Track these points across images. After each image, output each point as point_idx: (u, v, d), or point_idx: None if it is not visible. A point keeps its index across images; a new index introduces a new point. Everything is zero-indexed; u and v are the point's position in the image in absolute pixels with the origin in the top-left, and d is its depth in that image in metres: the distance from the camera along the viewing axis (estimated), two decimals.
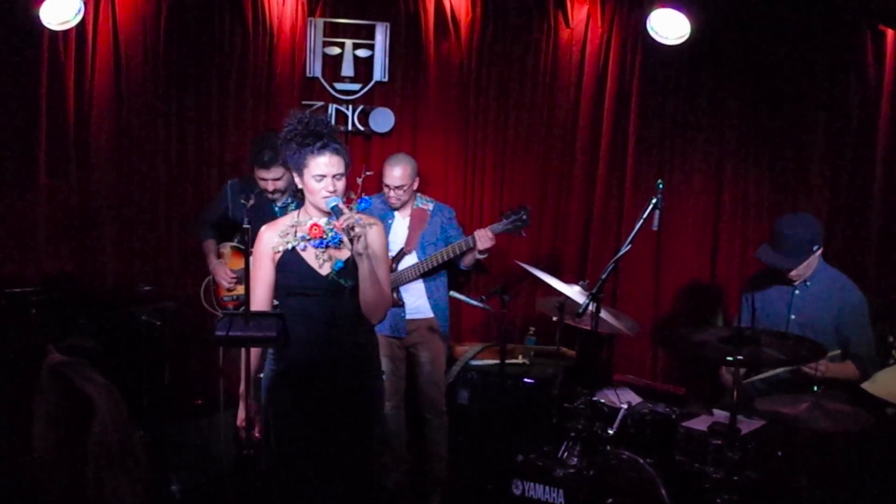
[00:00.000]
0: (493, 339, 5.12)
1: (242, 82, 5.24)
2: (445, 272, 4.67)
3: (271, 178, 4.48)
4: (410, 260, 4.59)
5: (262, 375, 3.40)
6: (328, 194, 3.17)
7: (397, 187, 4.53)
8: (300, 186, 3.27)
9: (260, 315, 3.00)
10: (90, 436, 3.01)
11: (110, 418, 3.02)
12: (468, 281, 5.17)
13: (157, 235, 5.26)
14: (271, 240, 3.28)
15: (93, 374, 3.12)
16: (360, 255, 3.10)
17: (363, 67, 5.28)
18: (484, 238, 4.46)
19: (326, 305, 3.23)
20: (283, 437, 3.29)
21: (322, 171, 3.16)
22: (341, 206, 3.13)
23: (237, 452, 4.45)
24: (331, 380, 3.26)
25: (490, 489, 4.10)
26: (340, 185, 3.20)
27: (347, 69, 5.27)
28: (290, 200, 4.61)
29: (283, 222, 3.34)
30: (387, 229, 4.61)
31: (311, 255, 3.25)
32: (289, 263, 3.25)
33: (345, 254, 3.24)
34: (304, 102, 5.22)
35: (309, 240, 3.25)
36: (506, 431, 4.47)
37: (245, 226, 2.98)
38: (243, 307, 2.95)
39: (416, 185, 4.61)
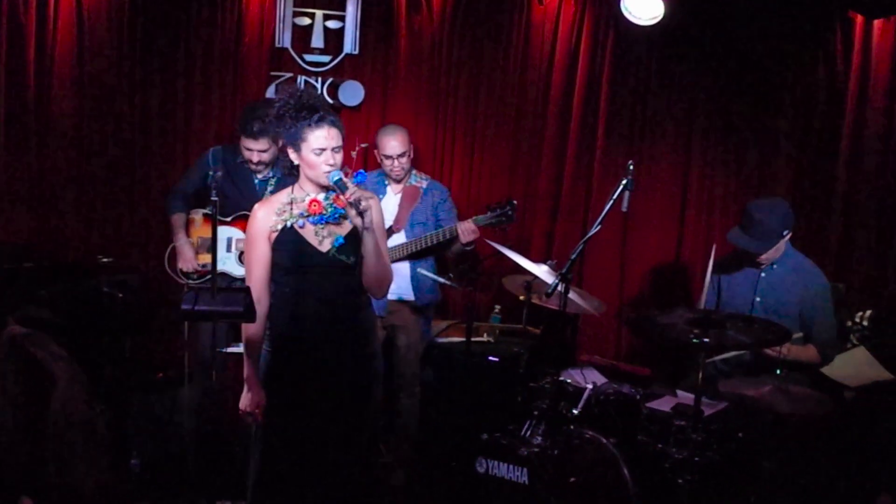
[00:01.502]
0: (459, 316, 5.12)
1: (209, 51, 5.14)
2: (433, 257, 4.63)
3: (258, 150, 4.41)
4: (398, 239, 4.53)
5: (229, 350, 3.37)
6: (329, 168, 3.10)
7: (400, 155, 4.48)
8: (296, 162, 3.19)
9: (227, 289, 2.96)
10: (50, 410, 2.95)
11: (71, 392, 2.97)
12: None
13: (119, 206, 5.16)
14: (267, 218, 3.19)
15: (53, 347, 3.06)
16: (366, 229, 3.05)
17: (333, 39, 5.21)
18: (467, 231, 4.37)
19: (327, 282, 3.18)
20: (280, 417, 3.24)
21: (321, 145, 3.09)
22: (345, 179, 3.06)
23: (199, 427, 4.42)
24: (332, 358, 3.21)
25: (454, 467, 4.09)
26: (339, 157, 3.13)
27: (317, 40, 5.19)
28: (271, 174, 4.54)
29: (278, 199, 3.25)
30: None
31: (309, 232, 3.19)
32: (287, 241, 3.18)
33: (345, 229, 3.19)
34: (272, 73, 5.14)
35: (308, 216, 3.17)
36: (470, 409, 4.46)
37: (213, 198, 2.91)
38: (210, 277, 2.89)
39: (412, 153, 4.58)
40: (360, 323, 3.30)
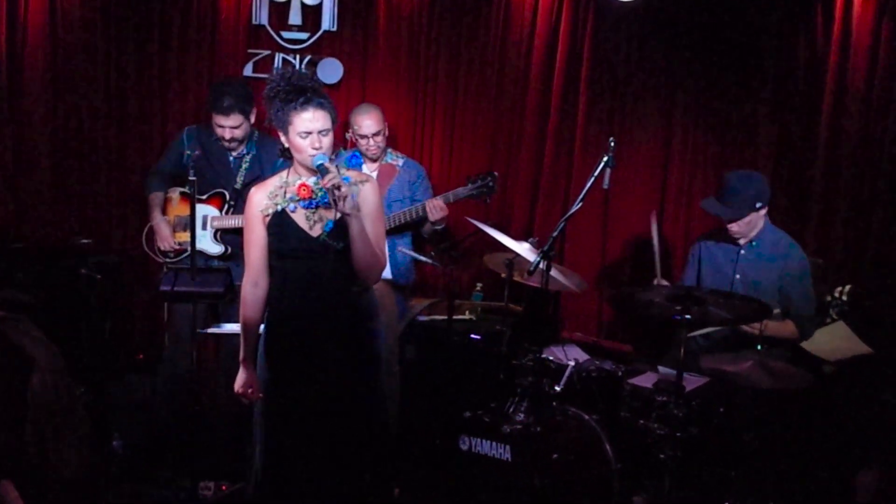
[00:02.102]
0: (440, 294, 5.12)
1: (185, 28, 5.08)
2: (409, 233, 4.60)
3: (229, 126, 4.35)
4: None
5: (210, 330, 3.35)
6: (314, 151, 3.05)
7: (375, 134, 4.45)
8: (287, 146, 3.16)
9: (206, 270, 2.94)
10: (29, 394, 2.92)
11: (50, 375, 2.93)
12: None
13: (96, 187, 5.11)
14: (260, 202, 3.18)
15: (31, 330, 3.01)
16: (347, 214, 3.02)
17: (311, 16, 5.15)
18: (434, 209, 4.34)
19: (318, 267, 3.14)
20: (278, 401, 3.24)
21: (307, 128, 3.05)
22: (327, 164, 3.02)
23: (177, 408, 4.40)
24: (325, 342, 3.19)
25: (437, 445, 4.10)
26: (327, 140, 3.08)
27: (295, 17, 5.13)
28: (245, 151, 4.50)
29: (272, 183, 3.23)
30: None
31: (301, 217, 3.16)
32: (278, 225, 3.16)
33: (336, 214, 3.16)
34: (249, 51, 5.09)
35: (298, 200, 3.15)
36: (452, 387, 4.48)
37: (190, 178, 2.89)
38: (187, 255, 2.87)
39: (387, 131, 4.55)
40: (355, 307, 3.27)
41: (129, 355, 4.81)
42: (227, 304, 3.33)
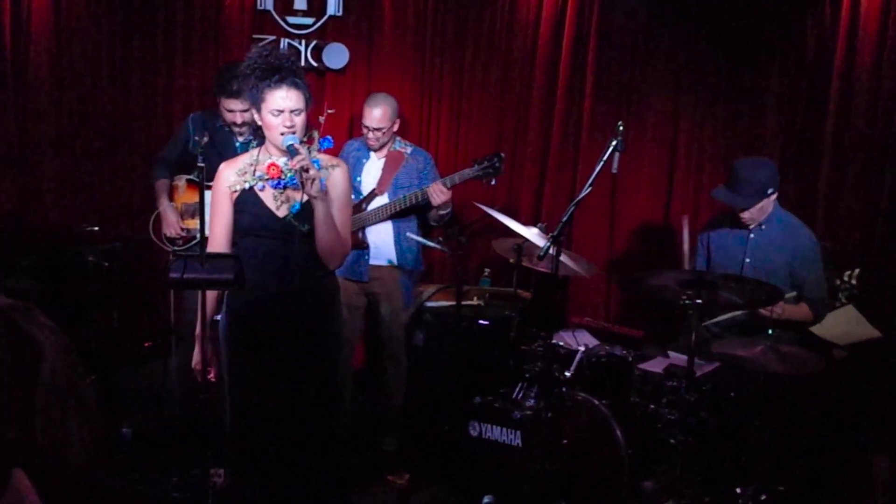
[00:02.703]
0: (448, 280, 5.10)
1: (190, 14, 5.05)
2: (415, 216, 4.56)
3: (240, 110, 4.29)
4: (381, 201, 4.46)
5: (218, 318, 3.33)
6: (285, 130, 3.04)
7: (376, 129, 4.39)
8: (259, 123, 3.14)
9: (216, 256, 2.91)
10: (39, 381, 2.90)
11: (60, 363, 2.90)
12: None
13: (102, 173, 5.09)
14: (229, 178, 3.16)
15: (40, 317, 2.99)
16: (314, 197, 3.01)
17: (316, 1, 5.12)
18: (436, 193, 4.29)
19: (282, 248, 3.14)
20: (238, 380, 3.23)
21: (279, 106, 3.04)
22: (297, 145, 3.01)
23: (190, 396, 4.39)
24: (284, 323, 3.19)
25: (447, 431, 4.10)
26: (299, 121, 3.06)
27: (300, 2, 5.11)
28: (251, 137, 4.47)
29: (242, 160, 3.22)
30: (361, 170, 4.51)
31: (268, 196, 3.15)
32: (245, 203, 3.15)
33: (304, 195, 3.16)
34: (254, 36, 5.05)
35: (267, 179, 3.14)
36: (461, 373, 4.46)
37: (199, 164, 2.86)
38: (195, 243, 2.85)
39: (395, 127, 4.49)
40: (316, 288, 3.26)
41: (137, 343, 4.80)
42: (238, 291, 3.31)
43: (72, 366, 3.03)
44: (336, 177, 3.21)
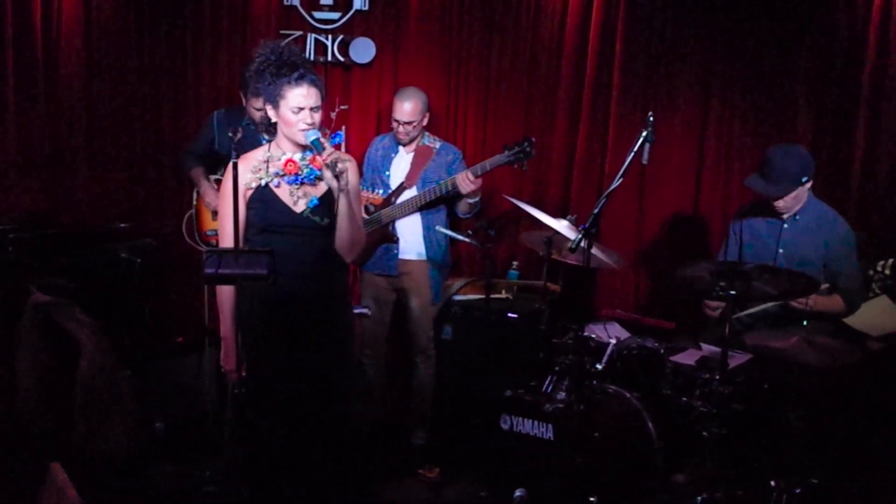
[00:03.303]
0: (476, 273, 5.10)
1: (217, 11, 5.08)
2: (445, 209, 4.56)
3: None
4: (409, 194, 4.47)
5: None
6: (306, 127, 3.08)
7: (406, 122, 4.39)
8: (274, 119, 3.16)
9: (250, 252, 2.93)
10: (77, 376, 2.95)
11: (97, 358, 2.96)
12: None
13: (133, 170, 5.13)
14: (243, 175, 3.15)
15: (77, 314, 3.05)
16: (341, 191, 3.03)
17: None
18: (463, 182, 4.28)
19: (300, 243, 3.18)
20: (256, 375, 3.25)
21: (300, 103, 3.07)
22: (322, 140, 3.04)
23: (221, 390, 4.42)
24: (302, 317, 3.21)
25: (478, 424, 4.10)
26: (317, 117, 3.11)
27: None
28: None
29: (255, 156, 3.23)
30: (389, 165, 4.52)
31: (284, 192, 3.17)
32: (261, 200, 3.17)
33: (320, 190, 3.17)
34: (281, 32, 5.08)
35: (283, 175, 3.16)
36: (491, 367, 4.47)
37: (233, 160, 2.88)
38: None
39: (425, 121, 4.49)
40: (333, 284, 3.30)
41: (169, 338, 4.84)
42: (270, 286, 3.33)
43: (109, 361, 3.08)
44: (351, 171, 3.23)
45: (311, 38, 5.09)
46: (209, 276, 2.77)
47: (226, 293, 3.22)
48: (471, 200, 4.40)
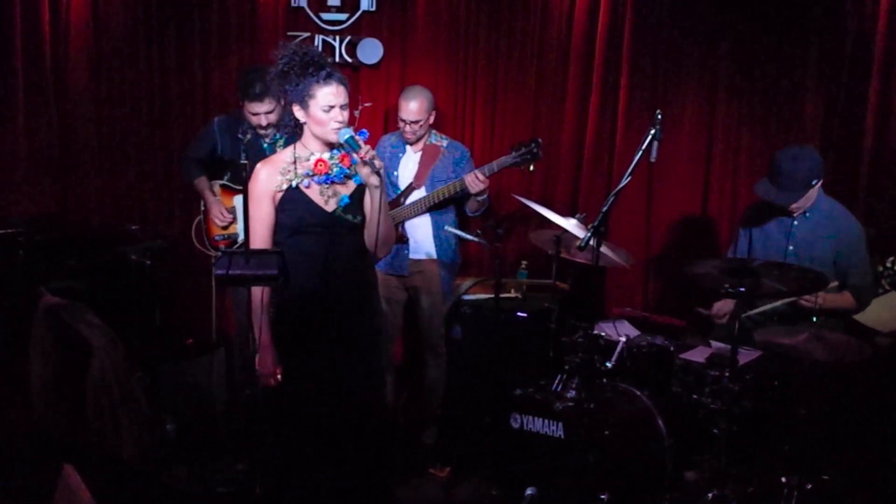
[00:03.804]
0: (485, 273, 5.10)
1: (225, 13, 5.09)
2: (454, 209, 4.58)
3: (264, 112, 4.32)
4: (418, 195, 4.48)
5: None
6: (338, 125, 3.08)
7: (413, 122, 4.39)
8: (302, 120, 3.15)
9: (260, 253, 2.94)
10: (89, 378, 2.96)
11: (109, 360, 2.97)
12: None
13: (142, 172, 5.15)
14: (271, 178, 3.16)
15: (89, 316, 3.06)
16: (376, 187, 3.03)
17: None
18: (473, 182, 4.29)
19: (332, 242, 3.18)
20: (290, 376, 3.25)
21: (331, 102, 3.07)
22: (357, 137, 3.04)
23: (232, 391, 4.45)
24: (337, 317, 3.22)
25: (488, 423, 4.11)
26: (346, 115, 3.11)
27: None
28: (278, 136, 4.49)
29: (281, 159, 3.22)
30: (397, 164, 4.53)
31: (314, 192, 3.17)
32: (292, 201, 3.16)
33: (349, 188, 3.18)
34: (289, 33, 5.09)
35: (313, 176, 3.16)
36: (500, 365, 4.47)
37: (243, 161, 2.89)
38: (239, 245, 2.89)
39: (432, 119, 4.49)
40: (365, 282, 3.31)
41: (179, 340, 4.85)
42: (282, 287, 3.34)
43: (121, 363, 3.09)
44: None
45: (318, 39, 5.11)
46: (220, 278, 2.78)
47: (259, 296, 3.20)
48: (479, 198, 4.41)
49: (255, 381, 3.24)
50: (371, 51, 5.12)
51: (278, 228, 3.20)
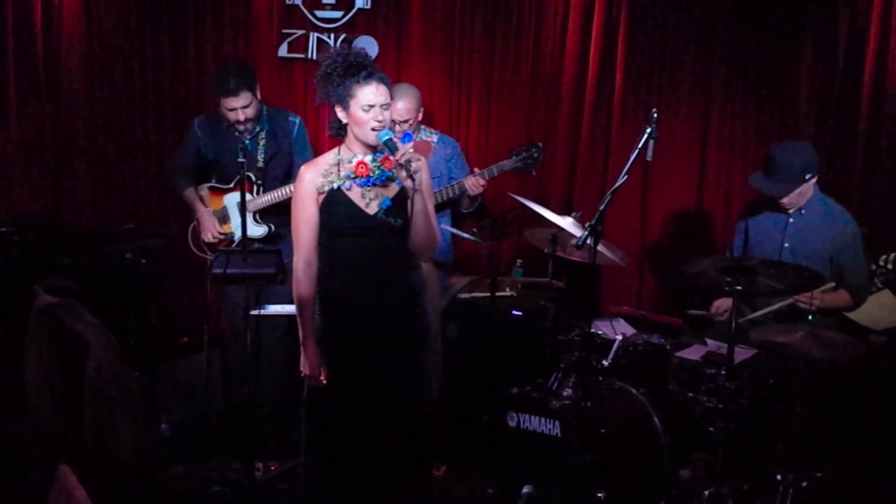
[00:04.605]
0: (479, 271, 5.10)
1: (219, 10, 5.08)
2: (449, 210, 4.57)
3: (240, 106, 4.27)
4: None
5: (254, 313, 3.34)
6: (377, 125, 3.06)
7: (403, 121, 4.38)
8: (345, 121, 3.15)
9: (257, 251, 2.94)
10: (85, 378, 2.94)
11: (105, 359, 2.94)
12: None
13: (136, 170, 5.14)
14: (314, 180, 3.16)
15: (84, 315, 3.03)
16: (416, 190, 3.01)
17: None
18: (473, 186, 4.31)
19: (375, 245, 3.16)
20: (336, 382, 3.24)
21: (370, 101, 3.06)
22: (395, 139, 3.03)
23: (227, 390, 4.43)
24: (382, 321, 3.20)
25: (484, 422, 4.11)
26: (387, 115, 3.10)
27: None
28: (259, 129, 4.43)
29: (324, 160, 3.22)
30: None
31: (356, 194, 3.16)
32: (334, 204, 3.15)
33: (391, 191, 3.16)
34: (284, 31, 5.08)
35: (354, 178, 3.14)
36: (496, 364, 4.47)
37: (240, 159, 2.90)
38: (237, 244, 2.88)
39: (420, 116, 4.49)
40: (410, 285, 3.28)
41: (174, 339, 4.84)
42: (276, 285, 3.32)
43: (117, 362, 3.06)
44: (424, 169, 3.19)
45: (313, 36, 5.10)
46: (218, 276, 2.77)
47: (304, 298, 3.20)
48: (473, 194, 4.42)
49: (253, 379, 3.24)
50: (366, 49, 5.08)
51: (321, 230, 3.19)
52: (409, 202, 3.08)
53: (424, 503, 3.50)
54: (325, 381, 3.23)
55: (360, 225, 3.15)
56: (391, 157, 3.04)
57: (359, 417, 3.22)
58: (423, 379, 3.36)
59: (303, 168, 3.23)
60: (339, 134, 3.22)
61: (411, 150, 3.03)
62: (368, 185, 3.15)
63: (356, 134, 3.14)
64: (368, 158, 3.15)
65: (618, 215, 5.16)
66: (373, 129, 3.07)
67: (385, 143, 3.03)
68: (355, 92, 3.07)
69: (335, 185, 3.15)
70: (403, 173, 3.00)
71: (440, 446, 4.53)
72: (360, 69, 3.07)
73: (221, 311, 4.48)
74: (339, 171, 3.16)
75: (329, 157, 3.22)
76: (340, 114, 3.15)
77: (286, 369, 4.28)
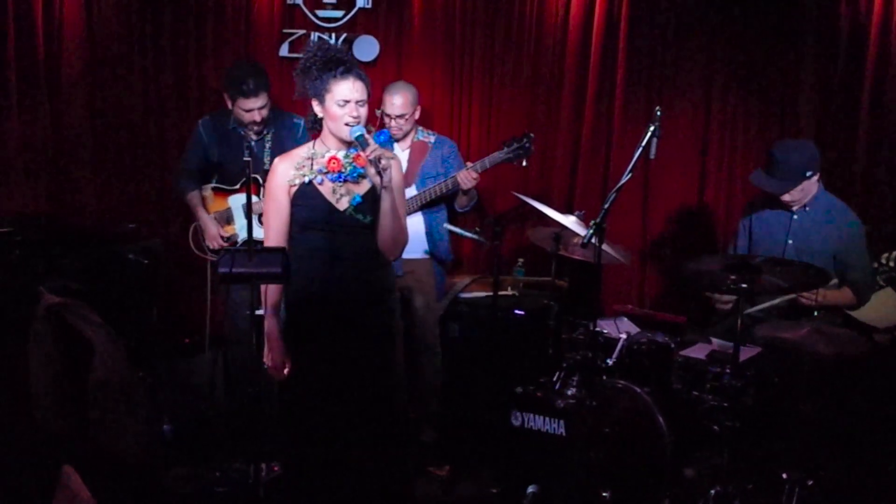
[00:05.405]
0: (480, 271, 5.09)
1: (220, 9, 5.07)
2: (445, 206, 4.56)
3: (258, 107, 4.29)
4: (409, 193, 4.45)
5: (259, 312, 3.33)
6: (351, 120, 3.07)
7: (398, 116, 4.38)
8: (320, 115, 3.16)
9: (263, 250, 2.93)
10: (90, 378, 2.94)
11: (110, 360, 2.95)
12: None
13: (138, 169, 5.12)
14: (286, 172, 3.17)
15: (89, 315, 3.04)
16: (384, 188, 3.02)
17: None
18: (466, 179, 4.30)
19: (343, 241, 3.17)
20: (300, 376, 3.24)
21: (345, 96, 3.07)
22: (367, 136, 3.03)
23: (236, 390, 4.42)
24: (347, 316, 3.20)
25: (489, 421, 4.10)
26: (363, 112, 3.11)
27: None
28: (266, 131, 4.43)
29: (298, 153, 3.23)
30: None
31: (328, 190, 3.17)
32: (304, 197, 3.16)
33: (363, 188, 3.17)
34: (284, 31, 5.07)
35: (326, 173, 3.15)
36: (499, 363, 4.46)
37: (246, 157, 2.89)
38: (241, 243, 2.87)
39: (417, 114, 4.48)
40: (376, 282, 3.28)
41: (176, 340, 4.83)
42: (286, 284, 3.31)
43: (122, 362, 3.07)
44: (394, 168, 3.22)
45: (314, 36, 5.08)
46: (224, 276, 2.76)
47: (271, 289, 3.20)
48: (467, 189, 4.40)
49: (256, 379, 3.23)
50: (367, 48, 5.10)
51: (292, 223, 3.20)
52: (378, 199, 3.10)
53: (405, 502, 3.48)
54: (286, 374, 3.22)
55: (330, 220, 3.16)
56: (362, 154, 3.03)
57: (327, 412, 3.21)
58: (393, 378, 3.33)
59: (277, 160, 3.24)
60: (314, 128, 3.24)
61: (380, 149, 3.03)
62: (340, 181, 3.16)
63: (331, 129, 3.15)
64: (341, 154, 3.16)
65: (619, 213, 5.14)
66: (346, 125, 3.08)
67: (357, 138, 3.04)
68: (332, 87, 3.08)
69: (307, 179, 3.17)
70: (372, 170, 3.00)
71: (443, 446, 4.53)
72: (338, 64, 3.09)
73: (226, 310, 4.46)
74: (311, 164, 3.17)
75: (303, 151, 3.23)
76: (317, 108, 3.16)
77: None
